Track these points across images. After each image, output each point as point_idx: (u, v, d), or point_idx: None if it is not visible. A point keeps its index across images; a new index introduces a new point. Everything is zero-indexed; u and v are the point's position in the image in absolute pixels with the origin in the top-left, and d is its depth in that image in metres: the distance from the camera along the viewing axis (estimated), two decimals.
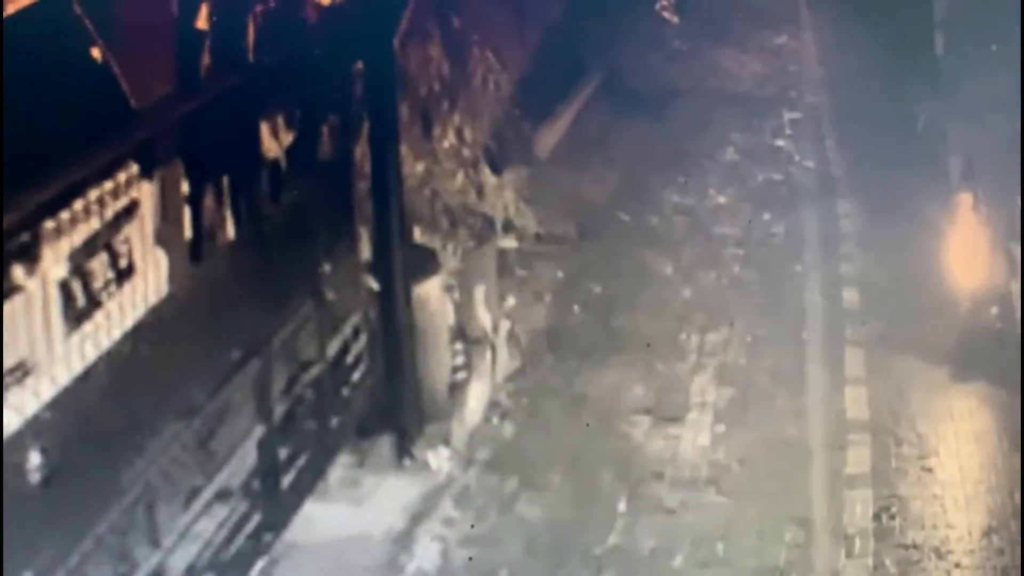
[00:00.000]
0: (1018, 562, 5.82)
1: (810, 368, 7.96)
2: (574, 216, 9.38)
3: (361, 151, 6.49)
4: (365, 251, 6.62)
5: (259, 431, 5.57)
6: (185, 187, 5.23)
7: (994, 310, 8.25)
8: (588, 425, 7.10)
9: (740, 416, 7.34)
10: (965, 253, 8.59)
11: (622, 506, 6.32)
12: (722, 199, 10.75)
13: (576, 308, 8.26)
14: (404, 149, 6.41)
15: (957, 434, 7.04)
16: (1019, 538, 5.94)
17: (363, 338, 6.61)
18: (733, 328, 8.53)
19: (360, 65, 6.57)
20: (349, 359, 6.55)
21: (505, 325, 6.96)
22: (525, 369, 7.48)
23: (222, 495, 5.29)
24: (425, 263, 6.45)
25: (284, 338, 5.83)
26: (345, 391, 6.51)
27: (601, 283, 8.73)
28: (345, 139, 6.57)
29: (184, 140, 5.01)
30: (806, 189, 11.20)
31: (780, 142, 12.40)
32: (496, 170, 7.14)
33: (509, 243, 7.57)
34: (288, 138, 5.90)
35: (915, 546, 5.99)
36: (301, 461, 6.02)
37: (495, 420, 7.23)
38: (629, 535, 6.14)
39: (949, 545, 5.99)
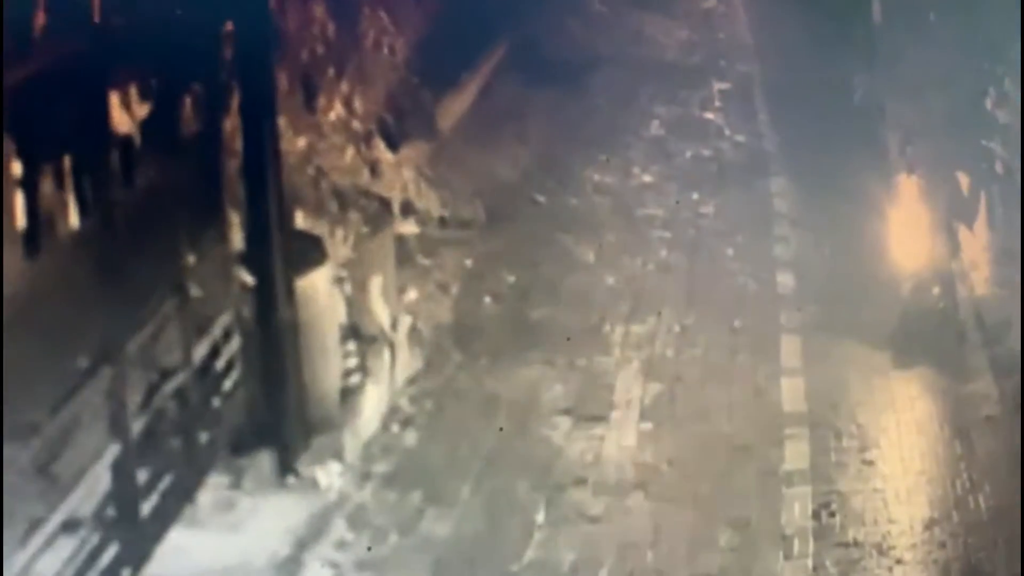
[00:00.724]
0: (959, 554, 5.62)
1: (743, 359, 7.54)
2: (483, 197, 8.73)
3: (231, 125, 5.77)
4: (237, 240, 5.94)
5: (113, 451, 4.93)
6: (17, 169, 4.65)
7: (936, 290, 8.04)
8: (502, 429, 6.58)
9: (669, 413, 6.89)
10: (904, 232, 8.34)
11: (540, 517, 5.79)
12: (647, 177, 10.16)
13: (487, 300, 7.65)
14: (283, 122, 5.80)
15: (899, 424, 6.73)
16: (961, 530, 5.76)
17: (236, 340, 5.95)
18: (660, 318, 8.10)
19: (229, 26, 5.81)
20: (219, 365, 5.91)
21: (405, 321, 6.35)
22: (429, 369, 6.85)
23: (69, 526, 4.70)
24: (309, 252, 5.82)
25: (141, 342, 5.18)
26: (215, 401, 5.87)
27: (514, 272, 8.13)
28: (212, 111, 5.86)
29: (15, 114, 4.59)
30: (737, 166, 10.71)
31: (709, 115, 11.90)
32: (393, 145, 6.49)
33: (409, 228, 6.94)
34: (143, 111, 5.38)
35: (856, 543, 5.67)
36: (165, 483, 5.39)
37: (395, 428, 6.66)
38: (548, 548, 5.62)
39: (891, 540, 5.68)
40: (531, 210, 8.94)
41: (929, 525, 5.86)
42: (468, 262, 7.82)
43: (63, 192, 4.77)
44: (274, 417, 5.89)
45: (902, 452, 6.45)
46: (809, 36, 12.00)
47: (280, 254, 5.76)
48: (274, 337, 5.80)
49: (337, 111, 5.61)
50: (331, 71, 5.89)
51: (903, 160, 8.73)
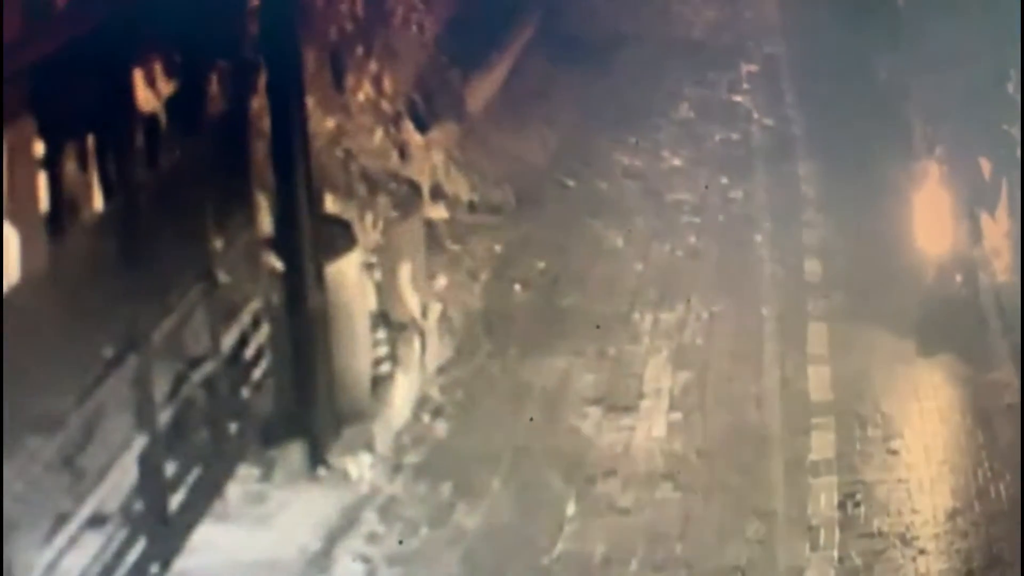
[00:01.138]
0: (981, 543, 5.54)
1: (770, 347, 7.41)
2: (512, 181, 8.56)
3: (258, 104, 5.60)
4: (265, 224, 5.76)
5: (140, 443, 4.76)
6: (39, 148, 4.48)
7: (958, 278, 7.93)
8: (532, 420, 6.44)
9: (698, 402, 6.76)
10: (928, 218, 8.19)
11: (571, 509, 5.67)
12: (676, 161, 10.00)
13: (517, 287, 7.47)
14: (311, 102, 5.62)
15: (922, 413, 6.61)
16: (983, 519, 5.71)
17: (265, 328, 5.77)
18: (689, 305, 7.94)
19: (255, 1, 5.60)
20: (248, 353, 5.74)
21: (436, 308, 6.20)
22: (459, 358, 6.67)
23: (96, 522, 4.57)
24: (339, 238, 5.66)
25: (167, 330, 5.01)
26: (245, 391, 5.72)
27: (544, 258, 7.96)
28: (238, 90, 5.71)
29: (36, 92, 4.43)
30: (765, 150, 10.48)
31: (737, 97, 11.69)
32: (422, 127, 6.29)
33: (438, 213, 6.77)
34: (168, 89, 5.27)
35: (880, 534, 5.58)
36: (193, 476, 5.25)
37: (425, 418, 6.52)
38: (579, 540, 5.50)
39: (914, 531, 5.62)
40: (560, 194, 8.79)
41: (952, 515, 5.79)
42: (498, 248, 7.70)
43: (86, 174, 4.62)
44: (304, 407, 5.71)
45: (925, 441, 6.36)
46: (833, 15, 11.76)
47: (309, 239, 5.57)
48: (304, 325, 5.62)
49: (366, 91, 5.46)
50: (359, 49, 5.72)
51: (925, 144, 8.56)
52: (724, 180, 9.99)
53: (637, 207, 8.98)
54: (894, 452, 6.33)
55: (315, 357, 5.86)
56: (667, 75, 11.50)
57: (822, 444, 6.44)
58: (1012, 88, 8.67)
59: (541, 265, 7.76)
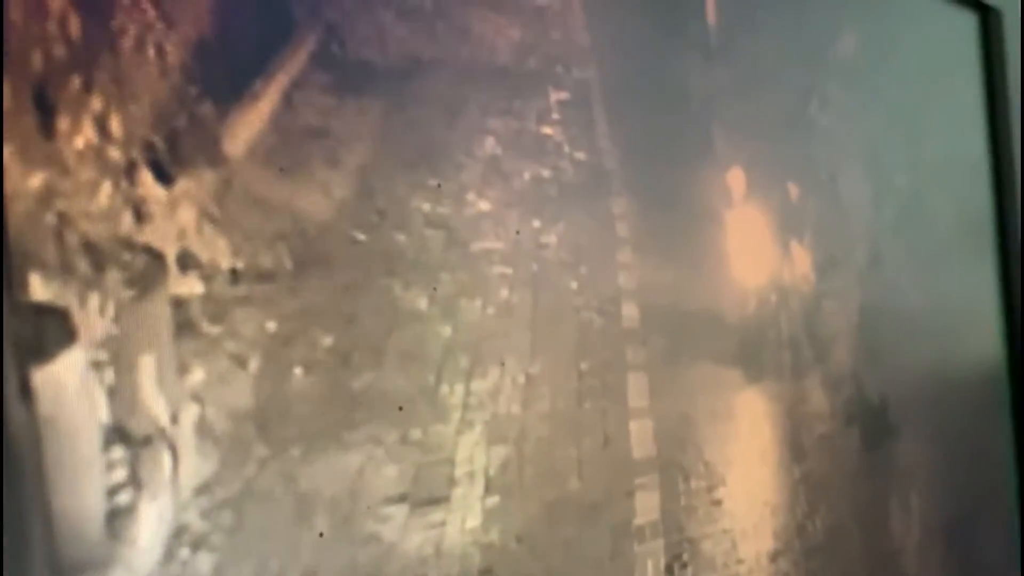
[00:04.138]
0: None
1: (590, 405, 6.93)
2: (287, 240, 7.71)
3: None
4: None
5: None
6: None
7: (772, 305, 8.52)
8: (322, 535, 5.35)
9: (516, 480, 6.04)
10: (743, 247, 8.39)
11: None
12: (484, 205, 9.65)
13: (297, 371, 6.57)
14: (6, 153, 4.45)
15: (744, 454, 7.03)
16: (802, 557, 6.57)
17: None
18: (504, 369, 7.18)
19: None
20: None
21: (190, 411, 4.97)
22: (225, 471, 5.60)
23: None
24: (51, 332, 4.41)
25: None
26: None
27: (331, 332, 7.22)
28: None
29: None
30: (578, 186, 10.56)
31: (547, 129, 11.56)
32: (164, 178, 5.10)
33: (189, 288, 5.51)
34: None
35: None
36: None
37: (183, 553, 5.23)
38: None
39: None
40: (348, 252, 8.14)
41: (774, 557, 6.38)
42: (270, 325, 6.84)
43: None
44: (11, 567, 4.57)
45: (747, 486, 6.69)
46: (644, 34, 11.94)
47: (8, 338, 4.48)
48: (4, 455, 4.51)
49: (87, 136, 4.29)
50: (76, 81, 4.54)
51: (740, 170, 8.61)
52: (536, 223, 9.42)
53: (441, 261, 8.59)
54: (718, 502, 6.84)
55: (22, 497, 4.58)
56: (470, 106, 10.80)
57: (647, 505, 6.76)
58: (814, 109, 9.06)
59: (327, 341, 7.01)
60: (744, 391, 6.95)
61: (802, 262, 8.08)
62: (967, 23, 6.56)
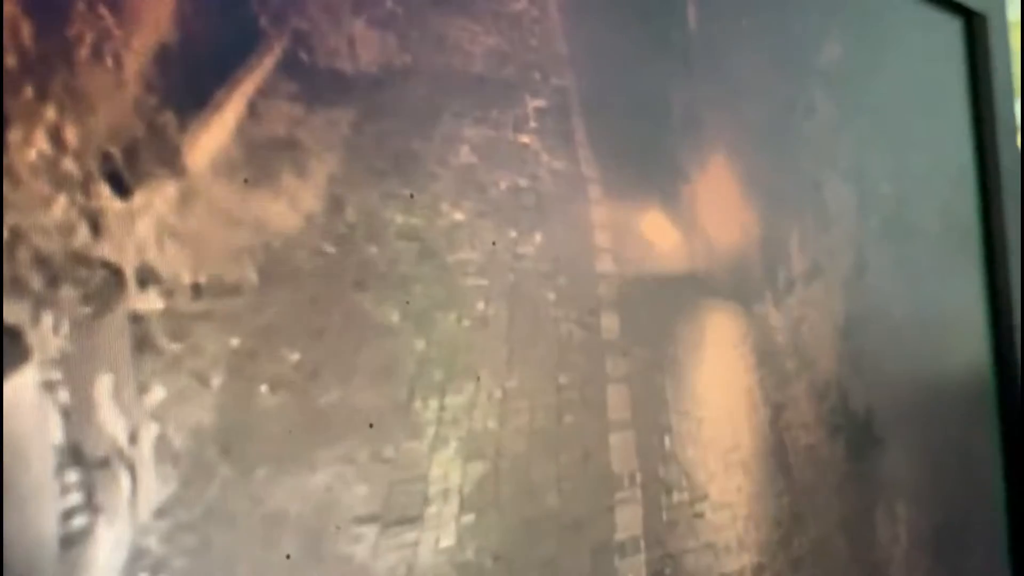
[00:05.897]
0: None
1: (570, 419, 6.69)
2: (253, 253, 7.56)
3: None
4: None
5: None
6: None
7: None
8: (289, 557, 5.26)
9: (493, 498, 5.84)
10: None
11: None
12: (458, 215, 9.50)
13: (263, 389, 6.48)
14: None
15: (727, 466, 6.83)
16: (786, 569, 6.29)
17: None
18: (479, 384, 7.00)
19: None
20: None
21: (150, 431, 4.87)
22: (187, 493, 5.44)
23: None
24: (2, 351, 4.36)
25: None
26: None
27: (298, 347, 7.13)
28: None
29: None
30: (556, 196, 10.37)
31: (524, 138, 11.41)
32: (122, 191, 5.03)
33: (149, 304, 5.42)
34: None
35: None
36: None
37: None
38: None
39: None
40: (317, 265, 7.97)
41: (758, 571, 6.22)
42: (234, 341, 6.78)
43: None
44: None
45: (729, 497, 6.84)
46: (623, 41, 11.68)
47: None
48: None
49: (39, 147, 4.22)
50: (28, 91, 4.48)
51: (722, 178, 8.35)
52: (512, 233, 9.23)
53: (414, 273, 8.39)
54: (700, 515, 6.92)
55: None
56: (444, 115, 10.63)
57: (627, 520, 6.54)
58: (798, 118, 8.75)
59: (294, 357, 6.87)
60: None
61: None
62: (952, 28, 6.46)
